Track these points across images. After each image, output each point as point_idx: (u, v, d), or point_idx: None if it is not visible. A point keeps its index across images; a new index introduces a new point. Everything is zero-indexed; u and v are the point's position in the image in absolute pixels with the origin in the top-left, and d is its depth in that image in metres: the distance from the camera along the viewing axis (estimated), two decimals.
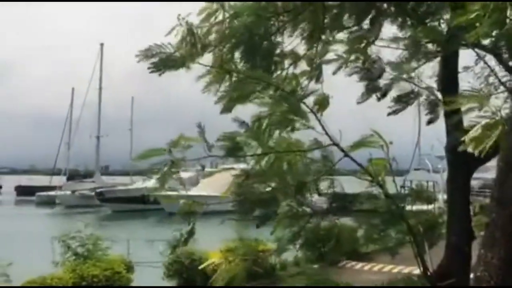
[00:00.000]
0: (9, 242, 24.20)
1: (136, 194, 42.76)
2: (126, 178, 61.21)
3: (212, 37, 4.42)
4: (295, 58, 4.55)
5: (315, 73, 4.54)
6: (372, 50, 4.54)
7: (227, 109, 3.85)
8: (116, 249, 11.54)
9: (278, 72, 4.36)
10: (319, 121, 3.42)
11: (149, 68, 3.67)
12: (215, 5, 4.52)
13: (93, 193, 46.02)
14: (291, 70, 4.53)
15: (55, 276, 8.73)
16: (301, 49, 4.73)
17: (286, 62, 4.56)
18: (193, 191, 29.73)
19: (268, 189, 3.38)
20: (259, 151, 3.38)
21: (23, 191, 65.37)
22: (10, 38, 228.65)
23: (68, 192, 51.06)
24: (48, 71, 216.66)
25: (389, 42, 4.45)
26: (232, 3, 4.35)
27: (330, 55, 4.65)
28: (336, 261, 12.31)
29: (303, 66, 4.65)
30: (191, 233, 11.65)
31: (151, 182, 40.26)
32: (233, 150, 3.42)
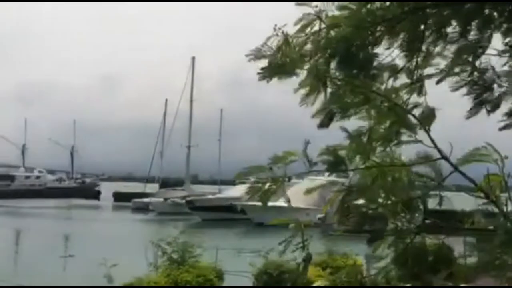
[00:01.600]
0: (109, 244, 25.92)
1: (224, 204, 43.87)
2: (214, 187, 63.17)
3: (308, 47, 4.40)
4: (394, 70, 4.38)
5: (417, 86, 4.34)
6: (481, 59, 4.24)
7: (325, 124, 3.77)
8: (204, 257, 11.90)
9: (377, 85, 4.23)
10: (428, 133, 3.25)
11: (258, 73, 3.70)
12: (311, 16, 4.50)
13: (183, 201, 47.84)
14: (390, 83, 4.37)
15: (151, 279, 9.14)
16: (400, 62, 4.56)
17: (385, 75, 4.41)
18: (279, 203, 29.80)
19: (373, 205, 3.27)
20: (360, 165, 3.29)
21: (120, 197, 69.87)
22: (113, 54, 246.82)
23: (161, 199, 53.58)
24: (144, 84, 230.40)
25: (498, 51, 4.14)
26: (330, 13, 4.30)
27: (432, 68, 4.42)
28: (431, 281, 11.71)
29: (403, 79, 4.48)
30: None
31: (238, 192, 41.08)
32: (335, 164, 3.35)
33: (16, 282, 13.75)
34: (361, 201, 3.40)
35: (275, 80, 3.97)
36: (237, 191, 47.69)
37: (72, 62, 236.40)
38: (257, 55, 3.70)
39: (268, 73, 3.72)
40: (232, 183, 60.86)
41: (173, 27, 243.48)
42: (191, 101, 58.38)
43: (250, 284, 11.30)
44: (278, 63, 3.67)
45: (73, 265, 21.56)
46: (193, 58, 59.80)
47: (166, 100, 64.94)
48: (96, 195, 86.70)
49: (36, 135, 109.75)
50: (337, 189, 3.55)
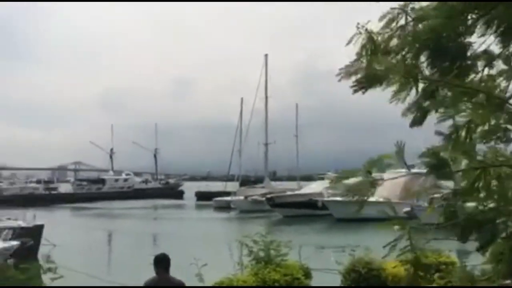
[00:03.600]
0: (195, 242, 26.79)
1: (305, 200, 43.73)
2: (293, 183, 63.15)
3: (394, 43, 4.25)
4: (490, 58, 4.10)
5: None
6: None
7: (418, 122, 3.61)
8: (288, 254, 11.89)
9: (472, 76, 3.98)
10: None
11: (352, 87, 3.65)
12: (396, 10, 4.34)
13: (264, 199, 48.24)
14: (486, 71, 4.10)
15: (240, 278, 9.29)
16: (496, 48, 4.26)
17: (480, 64, 4.14)
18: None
19: (482, 208, 3.08)
20: (462, 166, 3.12)
21: (202, 196, 72.02)
22: (186, 58, 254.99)
23: (242, 198, 54.46)
24: (219, 83, 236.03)
25: None
26: (416, 5, 4.13)
27: None
28: None
29: (499, 66, 4.18)
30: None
31: (319, 187, 40.66)
32: (438, 167, 3.19)
33: (110, 279, 14.57)
34: (467, 204, 3.21)
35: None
36: (318, 186, 47.44)
37: (149, 68, 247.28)
38: (347, 72, 3.64)
39: (362, 85, 3.64)
40: (311, 178, 60.62)
41: (244, 26, 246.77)
42: (266, 98, 58.80)
43: (339, 282, 11.15)
44: (373, 74, 3.57)
45: None
46: (266, 56, 60.17)
47: (242, 99, 65.92)
48: (179, 195, 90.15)
49: (121, 140, 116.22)
50: (442, 193, 3.37)
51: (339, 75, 3.68)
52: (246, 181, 63.74)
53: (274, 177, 72.71)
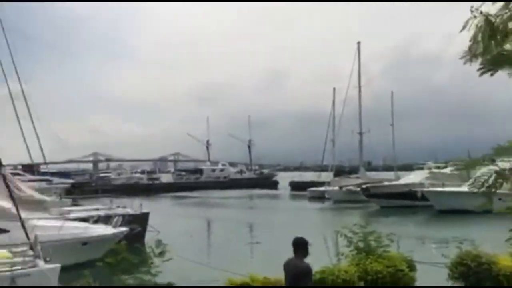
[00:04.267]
0: (291, 232, 26.88)
1: (403, 190, 42.11)
2: (389, 173, 61.02)
3: None
4: None
5: None
6: None
7: None
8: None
9: None
10: None
11: (479, 69, 3.35)
12: None
13: (359, 189, 47.22)
14: None
15: (341, 268, 9.09)
16: None
17: None
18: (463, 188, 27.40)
19: None
20: None
21: (296, 187, 72.27)
22: (277, 50, 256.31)
23: (336, 188, 53.75)
24: (312, 73, 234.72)
25: None
26: None
27: None
28: None
29: None
30: None
31: (418, 178, 38.96)
32: None
33: (210, 265, 14.98)
34: None
35: (452, 59, 3.52)
36: (417, 176, 45.41)
37: (243, 61, 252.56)
38: (471, 54, 3.32)
39: (490, 67, 3.31)
40: (409, 168, 58.14)
41: (336, 14, 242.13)
42: (359, 86, 57.22)
43: (444, 276, 10.51)
44: (500, 56, 3.23)
45: (259, 251, 22.88)
46: (359, 43, 58.42)
47: (334, 88, 64.81)
48: (274, 185, 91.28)
49: (217, 131, 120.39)
50: None
51: (464, 58, 3.39)
52: (340, 171, 62.73)
53: (369, 167, 70.67)
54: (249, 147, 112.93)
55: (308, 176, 78.14)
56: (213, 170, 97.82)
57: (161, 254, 7.81)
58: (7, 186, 15.53)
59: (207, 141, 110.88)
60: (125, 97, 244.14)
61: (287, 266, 6.14)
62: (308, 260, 6.30)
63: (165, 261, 7.95)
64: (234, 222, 36.56)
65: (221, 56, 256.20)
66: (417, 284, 9.95)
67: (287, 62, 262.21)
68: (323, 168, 66.05)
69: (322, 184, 58.80)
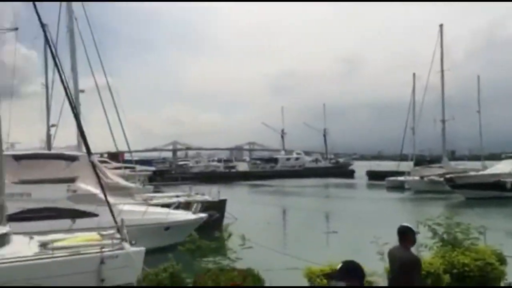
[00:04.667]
0: (369, 222, 26.27)
1: (491, 180, 39.64)
2: (475, 163, 57.63)
3: None
4: None
5: None
6: None
7: None
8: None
9: None
10: None
11: None
12: None
13: (442, 179, 45.06)
14: None
15: (425, 260, 8.69)
16: None
17: None
18: None
19: None
20: None
21: (374, 176, 70.42)
22: (355, 35, 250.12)
23: (417, 178, 51.72)
24: (389, 59, 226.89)
25: None
26: None
27: None
28: None
29: None
30: None
31: (507, 167, 36.46)
32: None
33: (287, 253, 14.97)
34: None
35: None
36: (506, 166, 42.47)
37: (317, 50, 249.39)
38: None
39: None
40: (497, 157, 54.48)
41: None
42: (442, 71, 54.31)
43: None
44: None
45: (336, 241, 22.57)
46: (441, 26, 55.32)
47: (414, 74, 62.03)
48: (350, 174, 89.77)
49: (292, 121, 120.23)
50: None
51: None
52: (421, 161, 60.17)
53: (453, 156, 67.23)
54: (324, 136, 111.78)
55: (386, 166, 75.88)
56: (288, 159, 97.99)
57: (239, 241, 7.89)
58: (96, 173, 16.52)
59: (282, 130, 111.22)
60: (203, 87, 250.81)
61: (392, 256, 5.84)
62: (387, 250, 6.06)
63: (243, 248, 8.02)
64: (310, 211, 36.36)
65: (297, 45, 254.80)
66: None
67: (363, 49, 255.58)
68: (402, 158, 63.66)
69: (401, 173, 56.84)
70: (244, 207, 34.83)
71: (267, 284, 7.48)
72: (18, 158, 20.61)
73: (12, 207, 15.02)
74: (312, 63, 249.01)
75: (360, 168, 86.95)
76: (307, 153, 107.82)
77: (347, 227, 26.09)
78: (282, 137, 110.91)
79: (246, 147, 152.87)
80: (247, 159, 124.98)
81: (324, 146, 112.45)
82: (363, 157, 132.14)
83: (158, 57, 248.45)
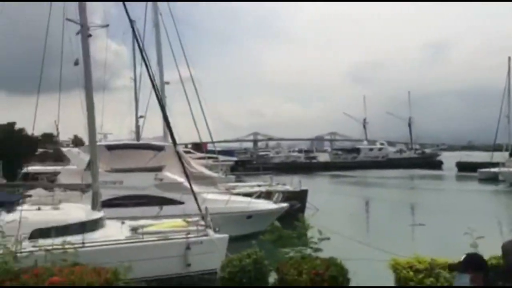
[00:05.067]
0: (459, 214, 24.88)
1: None
2: None
3: None
4: None
5: None
6: None
7: None
8: None
9: None
10: None
11: None
12: None
13: None
14: None
15: None
16: None
17: None
18: None
19: None
20: None
21: (464, 167, 66.56)
22: (441, 19, 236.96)
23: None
24: (480, 43, 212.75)
25: None
26: None
27: None
28: None
29: None
30: None
31: None
32: None
33: (370, 244, 14.53)
34: None
35: None
36: None
37: (400, 36, 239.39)
38: None
39: None
40: None
41: None
42: None
43: None
44: None
45: (424, 233, 21.61)
46: None
47: (509, 57, 57.45)
48: (437, 165, 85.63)
49: (374, 110, 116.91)
50: None
51: None
52: None
53: None
54: (409, 125, 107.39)
55: (478, 156, 71.43)
56: (371, 149, 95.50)
57: (320, 231, 7.77)
58: (182, 163, 17.14)
59: (364, 120, 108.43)
60: (284, 78, 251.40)
61: (507, 249, 5.42)
62: (480, 247, 5.63)
63: (325, 238, 7.89)
64: (394, 203, 35.19)
65: (378, 33, 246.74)
66: None
67: (450, 34, 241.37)
68: (496, 148, 59.44)
69: (495, 164, 53.14)
70: (326, 197, 34.44)
71: (350, 275, 7.30)
72: (110, 148, 21.96)
73: (105, 194, 16.04)
74: (396, 50, 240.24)
75: (449, 159, 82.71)
76: (390, 143, 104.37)
77: (435, 219, 24.86)
78: (364, 127, 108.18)
79: (327, 137, 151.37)
80: (328, 149, 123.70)
81: (408, 136, 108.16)
82: (451, 148, 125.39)
83: (239, 49, 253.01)
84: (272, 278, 7.45)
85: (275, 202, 22.19)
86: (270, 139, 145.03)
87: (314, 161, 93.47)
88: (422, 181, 59.72)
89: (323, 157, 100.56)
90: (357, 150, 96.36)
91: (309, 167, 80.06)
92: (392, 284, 7.32)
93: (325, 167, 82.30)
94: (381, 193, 43.38)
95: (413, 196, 41.52)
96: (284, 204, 21.70)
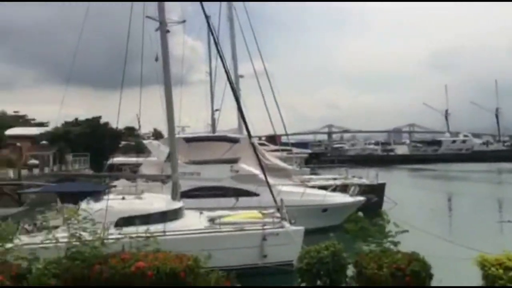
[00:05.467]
0: None
1: None
2: None
3: None
4: None
5: None
6: None
7: None
8: None
9: None
10: None
11: None
12: None
13: None
14: None
15: None
16: None
17: None
18: None
19: None
20: None
21: None
22: None
23: None
24: None
25: None
26: None
27: None
28: None
29: None
30: None
31: None
32: None
33: (452, 240, 13.78)
34: None
35: None
36: None
37: (485, 21, 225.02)
38: None
39: None
40: None
41: None
42: None
43: None
44: None
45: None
46: None
47: None
48: None
49: (457, 100, 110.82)
50: None
51: None
52: None
53: None
54: (496, 116, 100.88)
55: None
56: (453, 142, 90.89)
57: (396, 225, 7.49)
58: (257, 155, 17.29)
59: (446, 111, 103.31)
60: (359, 69, 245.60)
61: None
62: None
63: (404, 231, 7.61)
64: (480, 198, 33.23)
65: (459, 18, 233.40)
66: None
67: None
68: None
69: None
70: (404, 192, 33.25)
71: (434, 270, 6.97)
72: (188, 140, 22.66)
73: (184, 185, 16.60)
74: (480, 36, 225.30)
75: None
76: (475, 135, 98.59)
77: None
78: (446, 118, 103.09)
79: (406, 129, 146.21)
80: (407, 141, 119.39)
81: (496, 127, 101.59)
82: None
83: (312, 40, 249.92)
84: (350, 271, 7.30)
85: (352, 196, 21.80)
86: (346, 131, 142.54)
87: (391, 153, 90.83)
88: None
89: (401, 150, 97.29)
90: (438, 143, 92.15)
91: (386, 160, 77.75)
92: (478, 282, 6.90)
93: (404, 160, 79.61)
94: (465, 188, 41.17)
95: (501, 191, 38.97)
96: (361, 198, 21.24)
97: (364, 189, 23.30)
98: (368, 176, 26.51)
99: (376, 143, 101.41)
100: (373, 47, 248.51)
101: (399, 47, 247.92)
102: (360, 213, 8.30)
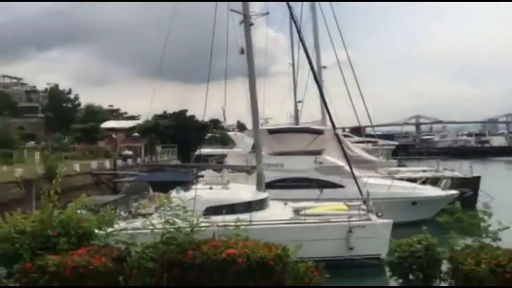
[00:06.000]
0: None
1: None
2: None
3: None
4: None
5: None
6: None
7: None
8: None
9: None
10: None
11: None
12: None
13: None
14: None
15: None
16: None
17: None
18: None
19: None
20: None
21: None
22: None
23: None
24: None
25: None
26: None
27: None
28: None
29: None
30: None
31: None
32: None
33: None
34: None
35: None
36: None
37: None
38: None
39: None
40: None
41: None
42: None
43: None
44: None
45: None
46: None
47: None
48: None
49: None
50: None
51: None
52: None
53: None
54: None
55: None
56: None
57: (497, 221, 6.98)
58: (341, 147, 17.04)
59: None
60: (450, 56, 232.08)
61: None
62: None
63: (504, 228, 7.08)
64: None
65: None
66: None
67: None
68: None
69: None
70: (502, 186, 30.99)
71: None
72: (272, 132, 22.83)
73: (268, 176, 16.77)
74: None
75: None
76: None
77: None
78: None
79: (503, 119, 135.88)
80: (504, 132, 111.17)
81: None
82: None
83: (399, 26, 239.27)
84: (444, 266, 6.94)
85: (443, 189, 20.77)
86: (439, 121, 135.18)
87: (486, 145, 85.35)
88: None
89: (497, 141, 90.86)
90: None
91: (480, 152, 73.01)
92: None
93: (500, 152, 74.40)
94: None
95: None
96: (454, 191, 20.14)
97: (457, 183, 22.12)
98: (461, 169, 25.11)
99: (469, 134, 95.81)
100: (470, 33, 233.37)
101: (498, 31, 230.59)
102: (458, 203, 7.85)
